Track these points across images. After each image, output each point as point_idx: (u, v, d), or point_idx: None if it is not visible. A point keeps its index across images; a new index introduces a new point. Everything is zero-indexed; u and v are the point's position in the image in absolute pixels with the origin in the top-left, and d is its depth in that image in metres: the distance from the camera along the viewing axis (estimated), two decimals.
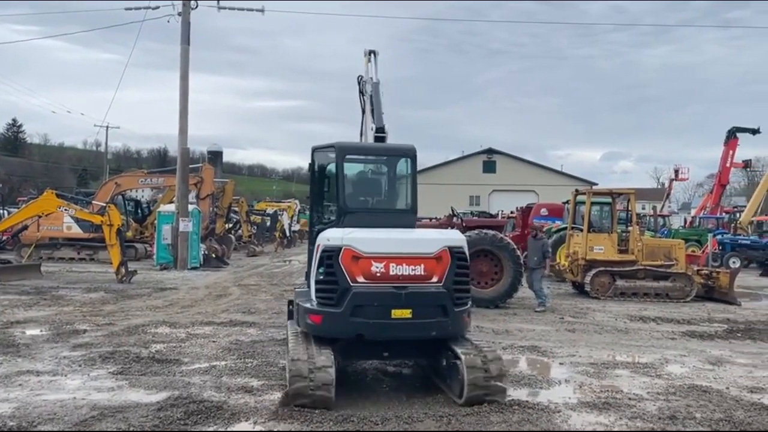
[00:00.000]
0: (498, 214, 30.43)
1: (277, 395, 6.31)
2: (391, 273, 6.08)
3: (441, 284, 6.19)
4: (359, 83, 8.73)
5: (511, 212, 28.16)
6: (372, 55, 9.10)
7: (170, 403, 6.04)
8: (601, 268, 15.32)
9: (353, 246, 6.09)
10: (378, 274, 6.08)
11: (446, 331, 6.26)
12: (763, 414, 6.17)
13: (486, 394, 6.00)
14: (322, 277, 6.22)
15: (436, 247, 6.22)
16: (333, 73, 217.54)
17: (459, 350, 6.15)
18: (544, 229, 20.72)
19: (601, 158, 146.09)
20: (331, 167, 6.93)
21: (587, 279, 15.26)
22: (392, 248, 6.19)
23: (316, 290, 6.29)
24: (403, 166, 6.84)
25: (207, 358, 8.00)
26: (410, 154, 6.82)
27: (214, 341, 9.04)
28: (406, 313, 6.06)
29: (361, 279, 6.08)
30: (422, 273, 6.14)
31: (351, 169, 7.05)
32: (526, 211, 23.77)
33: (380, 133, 7.51)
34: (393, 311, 6.04)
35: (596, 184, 50.83)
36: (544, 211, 23.17)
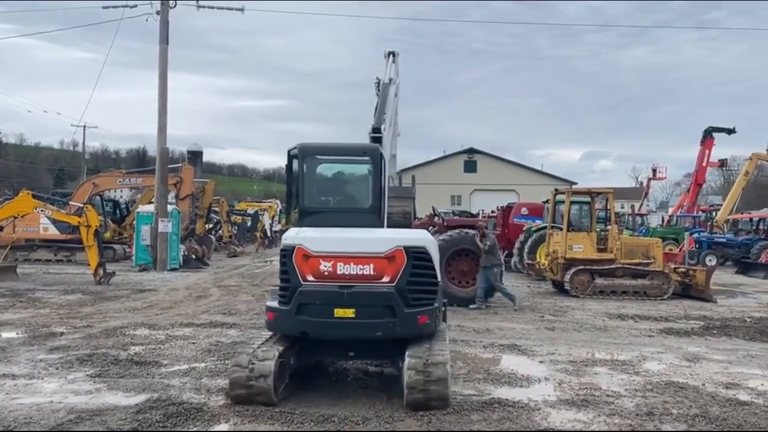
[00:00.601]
0: (479, 213, 30.61)
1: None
2: (338, 272, 6.11)
3: (393, 284, 6.05)
4: (376, 85, 8.82)
5: (492, 212, 28.34)
6: (391, 56, 9.23)
7: (149, 405, 5.98)
8: (581, 267, 15.47)
9: (304, 245, 6.19)
10: (326, 273, 6.13)
11: (393, 332, 6.08)
12: (738, 409, 6.28)
13: (426, 399, 5.82)
14: (280, 276, 6.44)
15: (387, 247, 6.10)
16: (314, 72, 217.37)
17: (407, 352, 6.01)
18: (524, 229, 20.94)
19: (580, 158, 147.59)
20: (297, 168, 6.99)
21: (567, 277, 15.39)
22: (340, 247, 6.21)
23: (278, 288, 6.47)
24: (365, 165, 6.69)
25: (187, 359, 7.94)
26: (372, 153, 6.64)
27: (193, 343, 8.97)
28: (349, 313, 6.05)
29: (310, 278, 6.16)
30: (371, 273, 6.11)
31: (315, 170, 7.00)
32: (506, 211, 23.95)
33: (376, 134, 7.48)
34: (336, 310, 6.05)
35: (576, 184, 51.31)
36: (524, 211, 23.36)
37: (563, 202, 16.80)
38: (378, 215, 6.67)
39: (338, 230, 6.48)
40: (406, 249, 6.11)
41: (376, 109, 8.64)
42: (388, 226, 12.16)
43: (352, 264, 6.13)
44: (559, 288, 16.06)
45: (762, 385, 7.26)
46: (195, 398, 6.26)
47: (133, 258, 21.05)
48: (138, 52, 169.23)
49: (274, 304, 6.39)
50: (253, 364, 5.90)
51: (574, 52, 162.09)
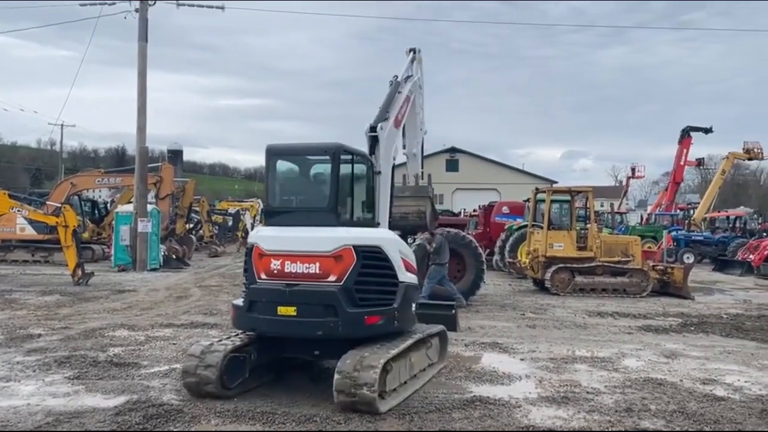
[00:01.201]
0: (461, 212, 30.75)
1: (238, 398, 6.26)
2: (285, 270, 6.22)
3: (339, 284, 6.02)
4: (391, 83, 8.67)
5: (474, 210, 28.49)
6: (412, 53, 9.21)
7: (128, 407, 5.93)
8: (561, 265, 15.61)
9: (259, 244, 6.46)
10: (275, 272, 6.26)
11: (336, 332, 6.03)
12: (715, 405, 6.38)
13: (353, 403, 5.73)
14: (243, 273, 6.77)
15: (333, 246, 6.08)
16: (296, 71, 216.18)
17: (344, 354, 5.97)
18: (506, 227, 21.07)
19: (561, 157, 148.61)
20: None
21: (547, 275, 15.52)
22: (288, 246, 6.30)
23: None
24: (326, 165, 6.58)
25: (167, 360, 7.88)
26: (331, 152, 6.48)
27: (174, 344, 8.90)
28: (290, 311, 6.11)
29: (263, 276, 6.35)
30: (317, 271, 6.13)
31: (280, 170, 7.00)
32: (488, 210, 24.09)
33: (372, 132, 7.29)
34: (279, 308, 6.15)
35: (556, 182, 51.67)
36: (505, 209, 23.51)
37: (544, 200, 16.93)
38: (336, 214, 6.41)
39: (292, 229, 6.51)
40: (356, 248, 6.08)
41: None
42: (404, 227, 12.07)
43: (298, 263, 6.21)
44: (540, 286, 16.19)
45: (738, 380, 7.39)
46: (175, 399, 6.21)
47: (112, 258, 20.81)
48: (117, 50, 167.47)
49: (238, 301, 6.62)
50: (204, 354, 6.15)
51: (554, 52, 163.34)
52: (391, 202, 7.59)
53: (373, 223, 7.00)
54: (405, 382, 6.47)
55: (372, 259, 6.21)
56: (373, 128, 7.36)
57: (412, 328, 7.02)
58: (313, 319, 6.08)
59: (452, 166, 57.94)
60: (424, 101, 9.85)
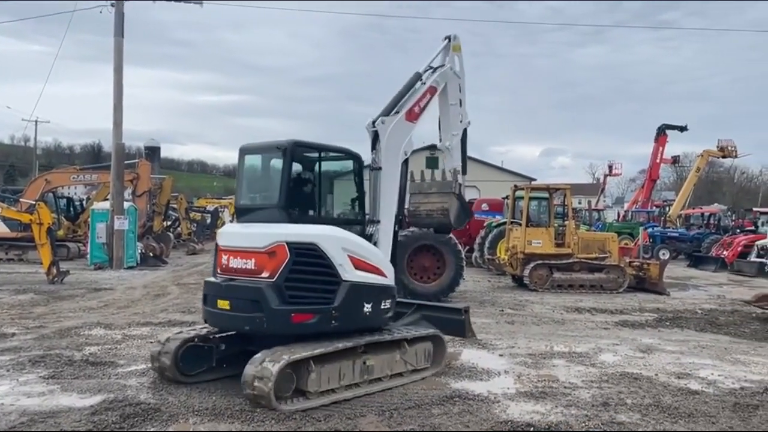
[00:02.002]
0: None
1: (216, 397, 6.23)
2: (230, 266, 6.41)
3: (272, 280, 6.01)
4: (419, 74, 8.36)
5: None
6: (447, 41, 8.84)
7: (105, 406, 5.86)
8: (539, 262, 15.75)
9: (218, 239, 6.80)
10: (224, 267, 6.50)
11: (261, 327, 6.06)
12: (689, 398, 6.49)
13: (254, 396, 5.77)
14: None
15: (267, 242, 6.08)
16: (276, 68, 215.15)
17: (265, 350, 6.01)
18: (485, 224, 21.18)
19: (540, 154, 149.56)
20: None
21: (526, 272, 15.65)
22: (233, 242, 6.49)
23: None
24: (278, 162, 6.54)
25: (144, 359, 7.78)
26: (282, 149, 6.44)
27: (151, 342, 8.77)
28: (225, 305, 6.28)
29: (218, 270, 6.61)
30: (252, 267, 6.18)
31: (248, 167, 7.07)
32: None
33: (373, 128, 7.23)
34: (218, 302, 6.35)
35: (535, 180, 52.06)
36: (485, 206, 23.64)
37: (522, 198, 17.04)
38: (286, 211, 6.37)
39: (245, 225, 6.69)
40: (290, 245, 6.04)
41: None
42: (429, 225, 11.67)
43: (238, 258, 6.34)
44: (519, 282, 16.31)
45: (712, 374, 7.52)
46: (152, 398, 6.15)
47: (88, 256, 20.52)
48: (94, 45, 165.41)
49: None
50: (167, 342, 6.59)
51: (534, 51, 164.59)
52: (402, 198, 7.45)
53: (360, 221, 6.92)
54: (356, 385, 6.32)
55: (306, 256, 6.09)
56: (376, 120, 7.23)
57: (388, 327, 6.93)
58: (243, 314, 6.16)
59: (432, 163, 57.84)
60: (464, 91, 9.22)
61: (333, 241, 6.30)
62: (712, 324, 11.20)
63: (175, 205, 29.49)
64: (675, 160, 42.10)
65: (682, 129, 35.61)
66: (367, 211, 7.14)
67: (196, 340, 6.70)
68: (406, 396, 6.33)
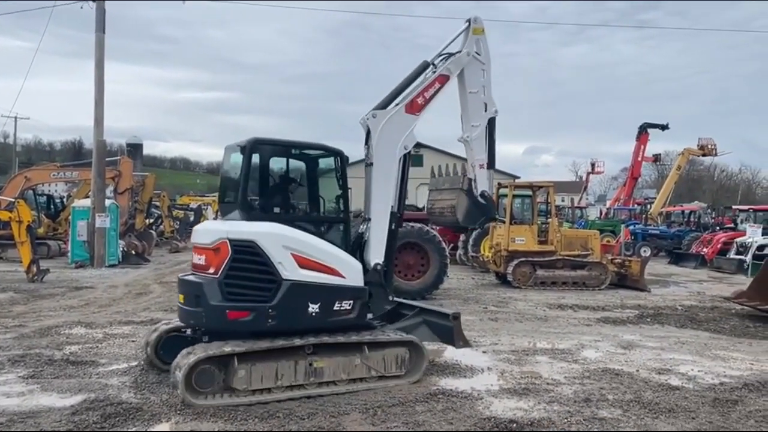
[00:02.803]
0: (424, 207, 30.87)
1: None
2: (194, 261, 6.59)
3: (216, 276, 6.10)
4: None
5: None
6: (467, 23, 8.03)
7: (86, 406, 5.79)
8: (523, 259, 15.84)
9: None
10: (192, 263, 6.71)
11: (201, 322, 6.26)
12: (669, 394, 6.57)
13: (174, 383, 5.98)
14: None
15: (212, 239, 6.21)
16: (262, 65, 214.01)
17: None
18: None
19: (524, 152, 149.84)
20: None
21: (509, 269, 15.73)
22: (195, 239, 6.68)
23: None
24: (238, 159, 6.57)
25: (126, 358, 7.72)
26: (241, 147, 6.50)
27: (133, 341, 8.72)
28: (181, 299, 6.50)
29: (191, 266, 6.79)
30: (203, 263, 6.33)
31: (227, 166, 7.09)
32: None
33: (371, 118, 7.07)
34: (179, 296, 6.60)
35: (519, 178, 52.32)
36: None
37: (506, 195, 17.13)
38: (245, 209, 6.42)
39: (211, 222, 7.01)
40: (231, 242, 6.08)
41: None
42: (444, 223, 11.09)
43: (197, 255, 6.52)
44: (502, 279, 16.39)
45: (692, 370, 7.61)
46: (134, 398, 6.09)
47: (69, 254, 20.28)
48: (75, 41, 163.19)
49: None
50: (151, 333, 7.10)
51: (518, 49, 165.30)
52: (402, 195, 7.26)
53: (342, 219, 6.84)
54: (302, 386, 6.20)
55: (244, 253, 6.10)
56: (375, 109, 7.10)
57: (372, 328, 6.91)
58: (189, 309, 6.32)
59: (417, 161, 57.85)
60: (488, 78, 8.19)
61: (273, 238, 6.21)
62: (692, 320, 11.35)
63: (157, 203, 29.22)
64: (656, 158, 42.55)
65: (664, 127, 35.98)
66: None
67: (181, 330, 6.93)
68: (390, 393, 6.32)
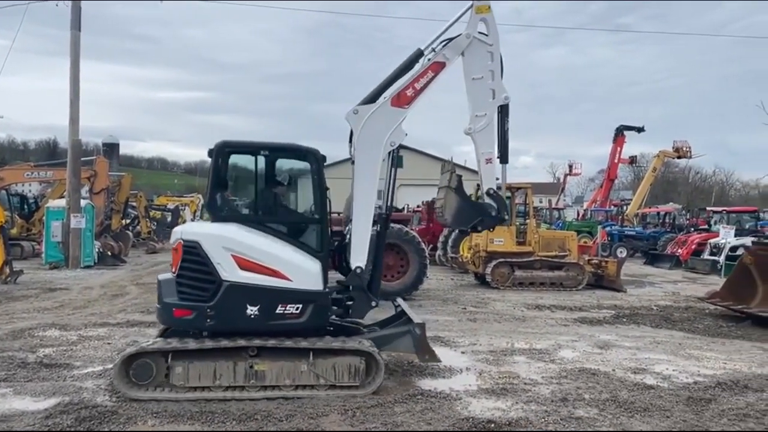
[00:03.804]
0: (404, 208, 30.94)
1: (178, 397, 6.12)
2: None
3: (173, 275, 6.40)
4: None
5: (417, 206, 28.71)
6: (470, 3, 7.27)
7: (60, 409, 5.71)
8: (501, 260, 15.94)
9: None
10: None
11: (160, 318, 6.56)
12: (645, 393, 6.66)
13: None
14: None
15: (174, 239, 6.49)
16: (240, 64, 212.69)
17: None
18: None
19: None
20: None
21: (488, 270, 15.83)
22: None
23: None
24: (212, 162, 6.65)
25: (101, 360, 7.61)
26: (209, 151, 6.57)
27: (109, 343, 8.61)
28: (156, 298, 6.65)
29: None
30: (173, 263, 6.54)
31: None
32: (431, 206, 24.29)
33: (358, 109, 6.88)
34: None
35: (498, 179, 52.58)
36: None
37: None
38: (211, 211, 6.59)
39: (189, 224, 7.14)
40: (184, 242, 6.32)
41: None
42: (443, 225, 10.51)
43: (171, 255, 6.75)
44: (481, 280, 16.48)
45: (667, 369, 7.73)
46: (109, 401, 6.01)
47: (43, 255, 19.95)
48: (51, 39, 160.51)
49: None
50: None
51: None
52: (390, 194, 7.20)
53: (318, 219, 6.68)
54: (242, 388, 6.17)
55: (190, 254, 6.28)
56: (363, 102, 6.89)
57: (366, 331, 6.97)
58: (157, 306, 6.54)
59: (397, 161, 58.22)
60: (496, 62, 7.32)
61: (213, 240, 6.27)
62: (667, 320, 11.51)
63: (134, 203, 28.87)
64: (632, 160, 43.10)
65: (640, 130, 36.45)
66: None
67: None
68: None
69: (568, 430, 5.52)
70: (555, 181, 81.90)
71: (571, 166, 50.05)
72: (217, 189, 6.55)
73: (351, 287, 6.82)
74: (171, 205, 36.73)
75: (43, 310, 11.42)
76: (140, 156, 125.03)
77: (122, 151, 66.87)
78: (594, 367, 7.74)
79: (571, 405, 6.17)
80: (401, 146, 7.25)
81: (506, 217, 8.62)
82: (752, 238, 18.85)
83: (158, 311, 6.50)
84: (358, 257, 6.81)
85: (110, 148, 47.36)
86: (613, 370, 7.63)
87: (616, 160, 36.95)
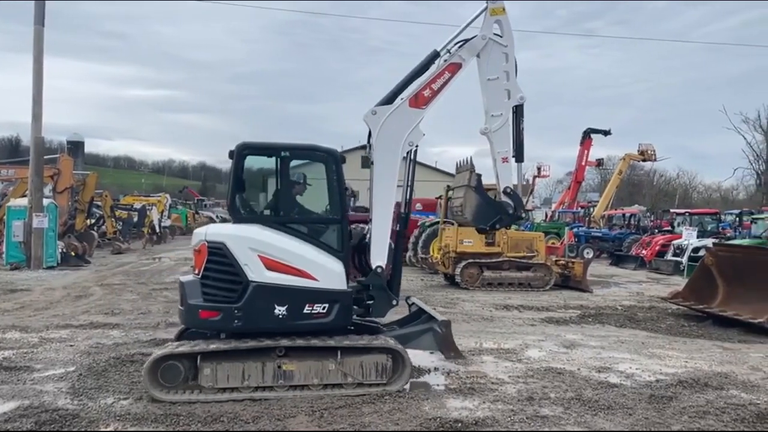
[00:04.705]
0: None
1: (143, 401, 6.03)
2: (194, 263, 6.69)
3: (197, 277, 6.37)
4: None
5: None
6: (485, 3, 7.34)
7: (19, 413, 5.57)
8: (470, 260, 16.06)
9: None
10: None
11: (183, 320, 6.57)
12: (609, 391, 6.77)
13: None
14: None
15: (197, 241, 6.44)
16: (209, 63, 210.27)
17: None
18: (419, 224, 21.40)
19: (474, 155, 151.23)
20: None
21: (458, 271, 15.93)
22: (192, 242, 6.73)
23: None
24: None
25: (63, 363, 7.45)
26: (229, 153, 6.57)
27: (71, 345, 8.43)
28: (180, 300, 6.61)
29: None
30: (194, 264, 6.56)
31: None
32: (399, 205, 24.33)
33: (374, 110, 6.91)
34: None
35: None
36: (418, 206, 23.86)
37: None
38: (233, 212, 6.60)
39: (211, 225, 7.10)
40: (208, 243, 6.29)
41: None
42: (461, 223, 10.57)
43: (192, 257, 6.70)
44: (451, 281, 16.57)
45: (630, 368, 7.87)
46: (71, 404, 5.89)
47: (4, 256, 19.43)
48: (15, 34, 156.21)
49: None
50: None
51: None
52: (409, 194, 7.19)
53: (337, 219, 6.73)
54: (270, 388, 6.21)
55: (215, 255, 6.28)
56: (381, 102, 6.93)
57: (380, 330, 6.99)
58: (179, 308, 6.52)
59: (367, 162, 58.08)
60: (511, 62, 7.47)
61: (240, 241, 6.30)
62: (631, 320, 11.73)
63: (99, 203, 28.28)
64: (599, 162, 43.79)
65: (606, 133, 37.03)
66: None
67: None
68: (336, 395, 6.31)
69: (533, 428, 5.58)
70: (524, 183, 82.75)
71: (539, 168, 50.54)
72: (237, 190, 6.58)
73: (371, 286, 6.87)
74: (137, 205, 36.09)
75: (2, 311, 11.12)
76: (106, 155, 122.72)
77: (88, 149, 65.58)
78: (560, 366, 7.84)
79: (537, 404, 6.25)
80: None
81: (523, 215, 8.74)
82: (713, 240, 19.36)
83: (182, 313, 6.43)
84: (378, 257, 6.90)
85: (75, 146, 46.26)
86: (578, 369, 7.74)
87: (583, 163, 37.51)
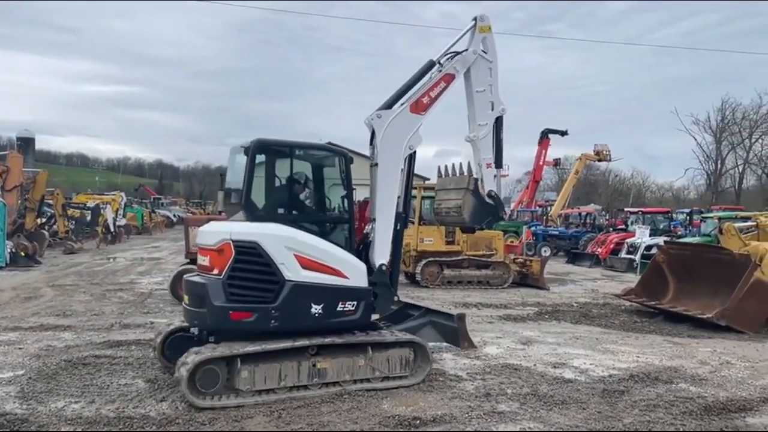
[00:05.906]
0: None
1: (96, 404, 5.88)
2: (199, 262, 6.58)
3: (220, 277, 6.12)
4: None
5: None
6: (473, 21, 7.81)
7: None
8: (431, 259, 16.16)
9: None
10: (197, 264, 6.75)
11: (205, 323, 6.31)
12: (563, 386, 6.92)
13: (176, 380, 6.06)
14: None
15: (216, 240, 6.21)
16: (170, 60, 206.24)
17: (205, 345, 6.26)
18: None
19: (434, 155, 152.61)
20: None
21: (418, 269, 16.01)
22: (200, 240, 6.61)
23: None
24: (242, 161, 6.55)
25: (11, 366, 7.21)
26: (244, 149, 6.51)
27: (20, 348, 8.16)
28: (186, 300, 6.48)
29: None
30: (208, 264, 6.32)
31: (232, 165, 7.10)
32: (363, 205, 24.26)
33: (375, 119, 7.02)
34: (185, 296, 6.56)
35: (429, 179, 53.29)
36: None
37: (415, 197, 17.39)
38: (248, 209, 6.43)
39: (216, 223, 6.85)
40: (234, 243, 6.11)
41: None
42: (451, 224, 10.85)
43: (201, 255, 6.49)
44: (411, 279, 16.64)
45: (584, 363, 8.06)
46: (20, 409, 5.71)
47: None
48: None
49: None
50: (158, 334, 7.10)
51: (428, 53, 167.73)
52: (408, 195, 7.30)
53: (346, 219, 6.82)
54: (305, 387, 6.26)
55: (247, 254, 6.13)
56: (371, 117, 7.05)
57: (378, 328, 7.01)
58: (194, 310, 6.29)
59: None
60: (497, 76, 8.10)
61: (275, 239, 6.23)
62: (586, 316, 11.99)
63: (50, 201, 27.44)
64: (556, 162, 44.55)
65: (563, 133, 37.69)
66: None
67: (183, 330, 6.96)
68: (294, 396, 6.27)
69: (490, 424, 5.66)
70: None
71: None
72: (253, 187, 6.43)
73: (376, 283, 6.91)
74: (91, 204, 35.14)
75: None
76: (58, 152, 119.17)
77: (39, 146, 63.64)
78: (517, 362, 7.97)
79: (494, 400, 6.34)
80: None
81: (504, 215, 9.40)
82: (665, 238, 19.94)
83: (203, 316, 6.15)
84: (382, 255, 6.96)
85: (25, 143, 44.75)
86: (535, 365, 7.88)
87: (541, 163, 38.10)
